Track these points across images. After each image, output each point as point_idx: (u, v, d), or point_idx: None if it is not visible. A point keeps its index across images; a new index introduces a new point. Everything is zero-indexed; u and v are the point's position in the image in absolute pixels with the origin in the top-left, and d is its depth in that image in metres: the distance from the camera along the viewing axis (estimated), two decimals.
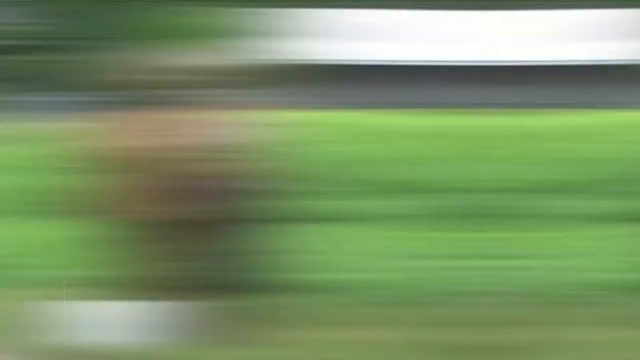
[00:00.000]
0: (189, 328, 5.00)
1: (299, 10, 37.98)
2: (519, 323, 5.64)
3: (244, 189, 5.01)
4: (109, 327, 5.01)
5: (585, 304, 5.96)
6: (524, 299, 6.08)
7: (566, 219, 8.02)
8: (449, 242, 7.12)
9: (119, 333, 5.00)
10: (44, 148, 8.48)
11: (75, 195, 5.14)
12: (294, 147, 10.15)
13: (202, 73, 4.97)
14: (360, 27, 40.28)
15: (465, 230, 7.53)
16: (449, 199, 8.32)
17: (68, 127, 5.05)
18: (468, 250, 6.91)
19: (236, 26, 26.80)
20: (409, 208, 8.32)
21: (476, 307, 5.87)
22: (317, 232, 7.42)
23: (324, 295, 5.81)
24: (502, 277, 6.46)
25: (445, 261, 6.59)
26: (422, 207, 8.23)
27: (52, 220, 7.01)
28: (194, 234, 5.01)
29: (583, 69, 19.15)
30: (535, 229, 7.75)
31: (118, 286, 5.07)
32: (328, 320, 5.57)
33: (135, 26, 25.15)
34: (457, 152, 9.82)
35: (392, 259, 6.56)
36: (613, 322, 5.60)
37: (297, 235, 7.23)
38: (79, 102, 23.14)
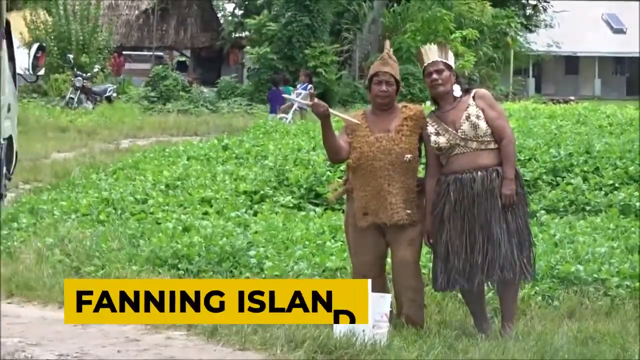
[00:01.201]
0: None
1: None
2: None
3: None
4: None
5: None
6: None
7: None
8: None
9: None
10: None
11: None
12: (544, 138, 9.99)
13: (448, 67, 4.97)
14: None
15: None
16: None
17: None
18: None
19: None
20: None
21: None
22: (576, 222, 7.27)
23: (580, 286, 5.73)
24: None
25: None
26: None
27: None
28: None
29: None
30: None
31: None
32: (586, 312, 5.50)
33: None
34: None
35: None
36: None
37: (554, 225, 7.12)
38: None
